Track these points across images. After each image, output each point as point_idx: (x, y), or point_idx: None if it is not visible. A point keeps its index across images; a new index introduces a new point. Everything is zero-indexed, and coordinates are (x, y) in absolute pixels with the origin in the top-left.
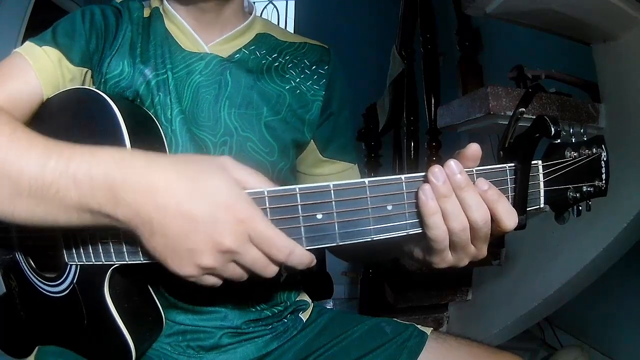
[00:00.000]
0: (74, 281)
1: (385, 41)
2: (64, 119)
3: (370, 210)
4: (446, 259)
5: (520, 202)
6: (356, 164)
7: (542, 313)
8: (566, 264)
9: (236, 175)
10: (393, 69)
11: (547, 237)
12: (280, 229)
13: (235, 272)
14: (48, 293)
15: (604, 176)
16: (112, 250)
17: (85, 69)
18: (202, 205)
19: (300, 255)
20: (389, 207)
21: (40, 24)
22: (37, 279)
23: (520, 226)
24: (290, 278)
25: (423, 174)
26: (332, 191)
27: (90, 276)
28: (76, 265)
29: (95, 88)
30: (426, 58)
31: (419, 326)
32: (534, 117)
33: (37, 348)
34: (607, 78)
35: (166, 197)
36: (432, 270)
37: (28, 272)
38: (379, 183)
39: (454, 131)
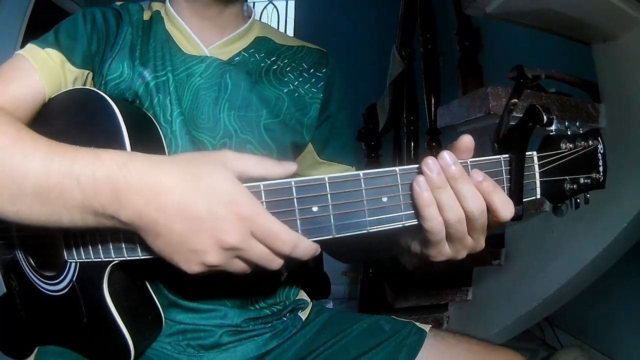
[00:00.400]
0: (74, 279)
1: (385, 41)
2: (65, 118)
3: (365, 202)
4: (443, 251)
5: (516, 192)
6: (354, 167)
7: (542, 313)
8: (566, 264)
9: (237, 167)
10: (393, 69)
11: (547, 237)
12: None
13: (239, 267)
14: (48, 292)
15: (601, 168)
16: (111, 246)
17: (87, 71)
18: (204, 205)
19: (305, 247)
20: (384, 199)
21: (40, 24)
22: (36, 277)
23: (517, 217)
24: (289, 277)
25: (417, 165)
26: (327, 184)
27: (90, 274)
28: (75, 262)
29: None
30: (426, 58)
31: (417, 323)
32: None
33: (37, 349)
34: (607, 78)
35: (168, 198)
36: (430, 265)
37: (28, 271)
38: (373, 175)
39: (454, 131)
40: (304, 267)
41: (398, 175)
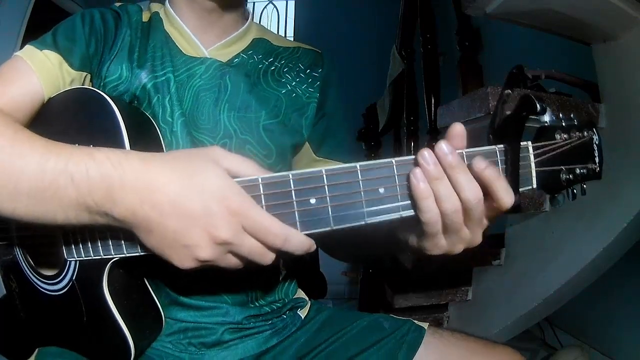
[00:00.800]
0: (73, 278)
1: (385, 41)
2: (64, 118)
3: (362, 193)
4: (439, 244)
5: (512, 182)
6: None
7: (542, 313)
8: (566, 264)
9: (227, 164)
10: (393, 69)
11: (547, 237)
12: (274, 214)
13: (232, 263)
14: (47, 292)
15: (597, 159)
16: (110, 243)
17: (85, 73)
18: (196, 201)
19: (297, 241)
20: (381, 190)
21: (40, 24)
22: (36, 277)
23: (516, 206)
24: (288, 275)
25: (413, 157)
26: (324, 176)
27: (89, 272)
28: (75, 261)
29: None
30: (426, 58)
31: (416, 321)
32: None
33: (37, 350)
34: (607, 78)
35: (161, 196)
36: (428, 259)
37: (27, 271)
38: (370, 167)
39: None
40: (299, 263)
41: (394, 166)
